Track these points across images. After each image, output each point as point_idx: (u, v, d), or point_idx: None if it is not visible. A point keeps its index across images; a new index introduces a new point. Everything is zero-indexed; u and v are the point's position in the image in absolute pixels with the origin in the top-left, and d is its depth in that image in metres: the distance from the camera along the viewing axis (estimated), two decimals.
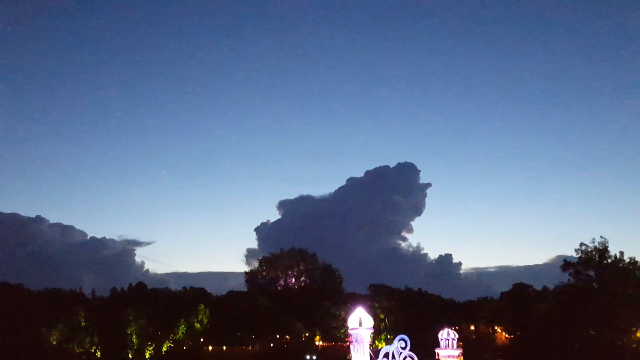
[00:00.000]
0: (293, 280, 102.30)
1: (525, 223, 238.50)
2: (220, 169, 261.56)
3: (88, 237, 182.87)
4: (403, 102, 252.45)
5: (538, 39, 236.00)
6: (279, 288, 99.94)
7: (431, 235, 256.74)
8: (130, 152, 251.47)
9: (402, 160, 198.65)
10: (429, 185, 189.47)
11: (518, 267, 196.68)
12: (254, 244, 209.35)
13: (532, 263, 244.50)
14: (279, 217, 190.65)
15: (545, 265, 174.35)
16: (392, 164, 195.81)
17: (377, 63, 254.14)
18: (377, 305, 79.27)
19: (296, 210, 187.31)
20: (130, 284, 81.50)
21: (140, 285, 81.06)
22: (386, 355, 25.90)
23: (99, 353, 69.51)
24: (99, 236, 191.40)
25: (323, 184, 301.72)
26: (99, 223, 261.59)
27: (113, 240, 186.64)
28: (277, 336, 76.34)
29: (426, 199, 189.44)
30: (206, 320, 74.47)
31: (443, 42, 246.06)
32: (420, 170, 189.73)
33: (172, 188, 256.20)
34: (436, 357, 32.77)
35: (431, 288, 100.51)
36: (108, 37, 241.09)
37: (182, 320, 72.92)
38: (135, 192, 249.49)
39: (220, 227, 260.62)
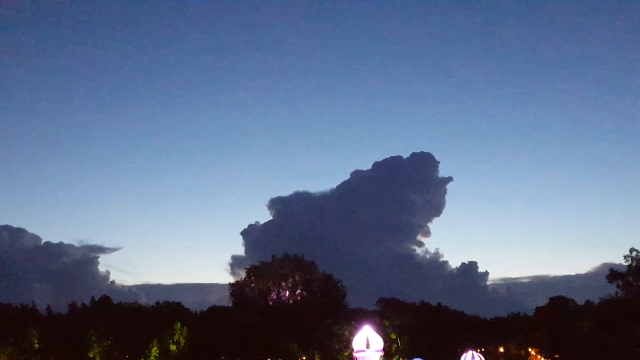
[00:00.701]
0: (287, 293, 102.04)
1: (565, 225, 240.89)
2: (200, 162, 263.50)
3: (42, 242, 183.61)
4: (418, 82, 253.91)
5: (580, 20, 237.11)
6: (271, 303, 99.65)
7: (452, 239, 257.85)
8: (92, 143, 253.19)
9: (417, 150, 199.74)
10: (449, 179, 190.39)
11: (556, 278, 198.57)
12: (240, 250, 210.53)
13: (572, 273, 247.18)
14: (270, 217, 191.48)
15: (588, 275, 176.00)
16: (405, 154, 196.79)
17: (387, 38, 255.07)
18: (387, 324, 79.43)
19: (291, 209, 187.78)
20: (93, 298, 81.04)
21: (105, 300, 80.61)
22: None
23: None
24: (54, 241, 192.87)
25: (323, 178, 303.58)
26: (54, 226, 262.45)
27: (72, 246, 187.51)
28: None
29: (446, 196, 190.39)
30: (183, 341, 74.26)
31: (469, 15, 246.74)
32: (439, 162, 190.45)
33: (142, 184, 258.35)
34: None
35: (452, 302, 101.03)
36: (64, 30, 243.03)
37: (154, 342, 72.61)
38: (99, 188, 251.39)
39: (200, 230, 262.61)
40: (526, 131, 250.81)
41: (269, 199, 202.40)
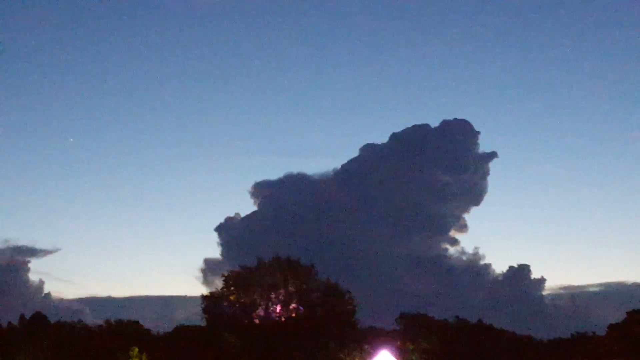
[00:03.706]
0: (278, 308, 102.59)
1: None
2: (161, 137, 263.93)
3: None
4: (448, 26, 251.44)
5: None
6: (256, 321, 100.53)
7: (496, 235, 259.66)
8: (20, 116, 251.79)
9: (449, 117, 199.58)
10: (492, 155, 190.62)
11: (635, 286, 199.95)
12: (214, 251, 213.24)
13: None
14: (255, 208, 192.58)
15: None
16: (433, 122, 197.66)
17: None
18: (411, 347, 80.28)
19: (281, 197, 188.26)
20: (23, 316, 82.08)
21: (38, 317, 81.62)
22: None
23: None
24: None
25: (323, 155, 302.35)
26: None
27: None
28: None
29: (488, 178, 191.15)
30: None
31: None
32: (479, 133, 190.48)
33: (85, 166, 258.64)
34: None
35: (497, 318, 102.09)
36: None
37: None
38: (28, 172, 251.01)
39: (162, 226, 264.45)
40: (598, 93, 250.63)
41: (252, 183, 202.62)
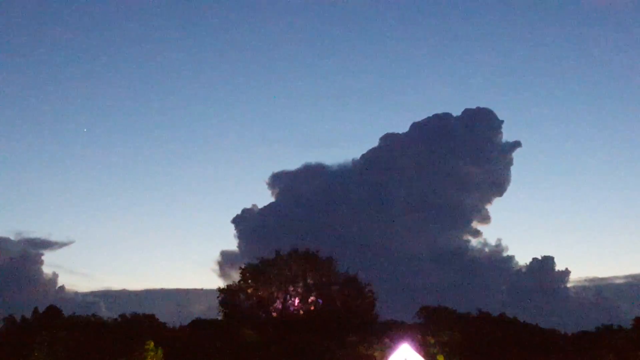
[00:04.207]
0: (296, 301, 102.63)
1: None
2: (177, 127, 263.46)
3: None
4: (472, 19, 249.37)
5: None
6: (274, 314, 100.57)
7: (520, 226, 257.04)
8: (33, 107, 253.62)
9: (471, 105, 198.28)
10: (516, 145, 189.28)
11: None
12: (231, 244, 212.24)
13: None
14: (272, 199, 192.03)
15: None
16: (455, 111, 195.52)
17: None
18: (432, 341, 79.49)
19: (300, 188, 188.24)
20: (36, 309, 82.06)
21: (52, 311, 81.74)
22: None
23: None
24: None
25: (342, 145, 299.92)
26: None
27: (7, 240, 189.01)
28: None
29: (512, 168, 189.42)
30: None
31: None
32: (502, 122, 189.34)
33: (100, 157, 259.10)
34: None
35: (521, 311, 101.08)
36: None
37: None
38: (42, 165, 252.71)
39: (177, 217, 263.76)
40: (627, 80, 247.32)
41: (270, 174, 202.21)
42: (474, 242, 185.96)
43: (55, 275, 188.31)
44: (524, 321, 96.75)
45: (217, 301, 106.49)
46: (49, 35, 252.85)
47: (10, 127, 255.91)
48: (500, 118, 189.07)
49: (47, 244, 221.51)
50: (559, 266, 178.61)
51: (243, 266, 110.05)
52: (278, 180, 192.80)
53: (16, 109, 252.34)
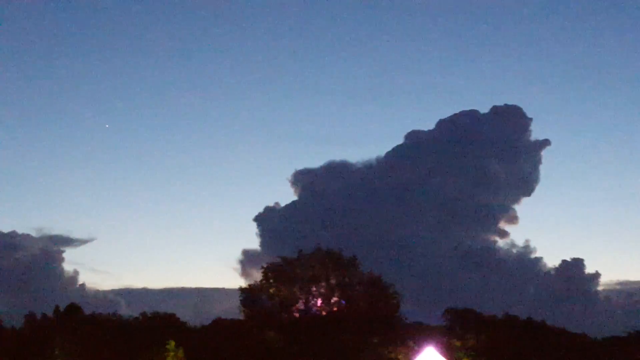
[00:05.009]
0: (319, 301, 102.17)
1: None
2: (198, 124, 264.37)
3: None
4: (499, 15, 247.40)
5: None
6: (296, 315, 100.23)
7: (548, 228, 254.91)
8: (55, 103, 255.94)
9: (500, 102, 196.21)
10: (545, 143, 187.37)
11: None
12: (253, 242, 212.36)
13: None
14: (295, 197, 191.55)
15: None
16: (483, 109, 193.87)
17: None
18: (458, 344, 79.10)
19: (323, 186, 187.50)
20: (57, 307, 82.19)
21: (73, 309, 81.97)
22: None
23: None
24: (5, 230, 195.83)
25: (366, 143, 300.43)
26: (4, 210, 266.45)
27: (28, 237, 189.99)
28: None
29: (540, 167, 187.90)
30: None
31: None
32: (531, 119, 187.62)
33: (121, 154, 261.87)
34: None
35: (549, 315, 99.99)
36: None
37: None
38: (63, 162, 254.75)
39: (199, 215, 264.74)
40: None
41: (293, 171, 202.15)
42: (501, 243, 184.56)
43: (76, 273, 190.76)
44: (552, 325, 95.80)
45: (238, 301, 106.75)
46: (73, 34, 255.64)
47: (31, 125, 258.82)
48: (529, 115, 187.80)
49: (68, 241, 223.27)
50: (589, 269, 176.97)
51: (265, 265, 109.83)
52: (301, 178, 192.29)
53: (38, 107, 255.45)
